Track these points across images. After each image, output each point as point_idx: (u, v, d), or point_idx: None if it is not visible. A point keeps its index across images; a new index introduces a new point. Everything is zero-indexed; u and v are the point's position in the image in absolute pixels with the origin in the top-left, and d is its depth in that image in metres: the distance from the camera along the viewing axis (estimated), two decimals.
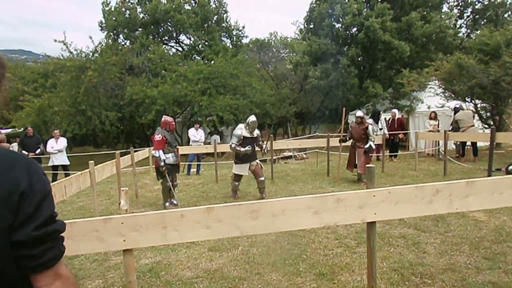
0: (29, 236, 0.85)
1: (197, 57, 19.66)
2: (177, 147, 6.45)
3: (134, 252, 2.41)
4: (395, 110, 12.13)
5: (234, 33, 23.28)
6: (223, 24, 22.53)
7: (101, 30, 20.56)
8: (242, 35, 23.59)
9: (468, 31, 20.48)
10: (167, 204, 6.20)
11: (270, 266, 3.49)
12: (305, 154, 12.56)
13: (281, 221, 2.35)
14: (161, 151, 5.98)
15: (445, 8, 19.47)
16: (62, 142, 9.59)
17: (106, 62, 15.07)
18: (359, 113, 7.87)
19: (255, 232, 2.54)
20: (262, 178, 6.55)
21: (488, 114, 11.37)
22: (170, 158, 6.13)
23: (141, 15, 20.09)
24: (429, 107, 11.85)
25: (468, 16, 20.35)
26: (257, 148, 6.73)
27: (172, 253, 3.98)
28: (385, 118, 11.62)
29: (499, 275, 3.07)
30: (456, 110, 10.29)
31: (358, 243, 3.99)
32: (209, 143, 11.41)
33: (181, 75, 15.43)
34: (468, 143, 10.21)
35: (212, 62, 17.14)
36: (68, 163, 9.69)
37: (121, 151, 6.75)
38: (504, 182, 2.60)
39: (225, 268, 3.50)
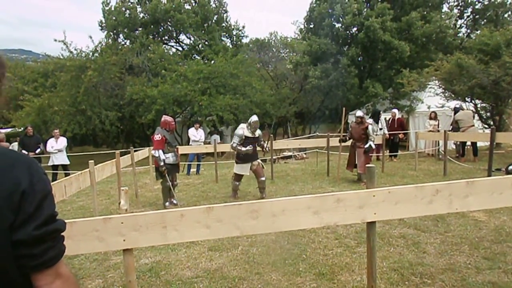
0: (30, 235, 0.85)
1: (197, 57, 19.65)
2: (177, 146, 6.45)
3: (134, 252, 2.41)
4: (395, 110, 12.13)
5: (234, 33, 23.27)
6: (223, 24, 22.53)
7: (101, 29, 20.57)
8: (242, 35, 23.60)
9: (468, 31, 20.49)
10: (167, 203, 6.20)
11: (270, 266, 3.49)
12: (305, 154, 12.56)
13: (281, 221, 2.35)
14: (160, 151, 5.97)
15: (445, 8, 19.50)
16: (62, 141, 9.59)
17: (106, 62, 15.07)
18: (359, 113, 7.87)
19: (255, 232, 2.54)
20: (263, 178, 6.55)
21: (488, 114, 11.37)
22: (170, 158, 6.13)
23: (141, 15, 20.09)
24: (429, 107, 11.85)
25: (468, 16, 20.36)
26: (258, 148, 6.73)
27: (172, 252, 3.98)
28: (385, 118, 11.62)
29: (499, 275, 3.07)
30: (456, 110, 10.29)
31: (358, 243, 3.99)
32: (209, 143, 11.40)
33: (181, 74, 15.42)
34: (468, 143, 10.21)
35: (212, 62, 17.13)
36: (68, 162, 9.69)
37: (121, 150, 6.74)
38: (504, 182, 2.60)
39: (225, 268, 3.50)
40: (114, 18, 19.40)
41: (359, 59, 18.67)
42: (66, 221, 1.00)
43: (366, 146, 7.46)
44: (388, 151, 10.60)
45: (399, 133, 11.20)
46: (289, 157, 12.48)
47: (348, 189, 6.52)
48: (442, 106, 11.70)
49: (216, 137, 13.57)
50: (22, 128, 14.35)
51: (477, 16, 19.76)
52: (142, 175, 9.60)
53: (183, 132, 16.41)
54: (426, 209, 2.54)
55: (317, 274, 3.26)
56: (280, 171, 9.39)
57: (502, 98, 10.66)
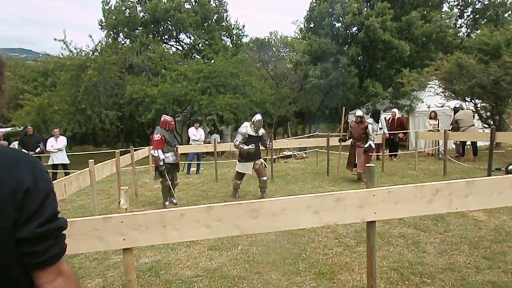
0: (33, 232, 0.86)
1: (197, 56, 19.64)
2: (176, 146, 6.45)
3: (133, 251, 2.41)
4: (395, 110, 12.13)
5: (234, 32, 23.25)
6: (223, 23, 22.50)
7: (101, 29, 20.55)
8: (242, 34, 23.58)
9: (468, 30, 20.48)
10: (167, 203, 6.20)
11: (270, 265, 3.49)
12: (305, 153, 12.56)
13: (281, 220, 2.35)
14: (160, 151, 5.97)
15: (445, 7, 19.47)
16: (62, 141, 9.58)
17: (106, 61, 15.07)
18: (359, 112, 7.87)
19: (255, 231, 2.54)
20: (265, 178, 6.55)
21: (488, 113, 11.37)
22: (169, 157, 6.13)
23: (141, 14, 20.07)
24: (429, 107, 11.85)
25: (468, 16, 20.34)
26: (261, 147, 6.72)
27: (172, 252, 3.98)
28: (385, 118, 11.62)
29: (499, 275, 3.07)
30: (456, 109, 10.29)
31: (357, 242, 3.99)
32: (209, 142, 11.39)
33: (181, 74, 15.42)
34: (468, 142, 10.21)
35: (212, 61, 17.12)
36: (68, 162, 9.68)
37: (121, 150, 6.75)
38: (503, 182, 2.60)
39: (225, 267, 3.51)
40: (114, 17, 19.39)
41: (359, 58, 18.64)
42: None
43: (366, 145, 7.46)
44: (388, 150, 10.61)
45: (399, 133, 11.21)
46: (289, 156, 12.48)
47: (348, 189, 6.54)
48: (442, 106, 11.70)
49: (216, 136, 13.56)
50: (22, 127, 14.34)
51: (477, 16, 19.75)
52: (142, 175, 9.60)
53: (183, 131, 16.41)
54: (426, 208, 2.54)
55: (317, 273, 3.27)
56: (280, 171, 9.39)
57: (502, 98, 10.66)
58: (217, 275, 3.34)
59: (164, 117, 6.29)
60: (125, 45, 18.70)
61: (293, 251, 3.83)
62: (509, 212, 4.79)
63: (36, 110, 14.60)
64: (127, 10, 19.67)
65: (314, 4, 19.60)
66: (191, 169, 10.17)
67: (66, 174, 7.94)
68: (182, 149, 8.55)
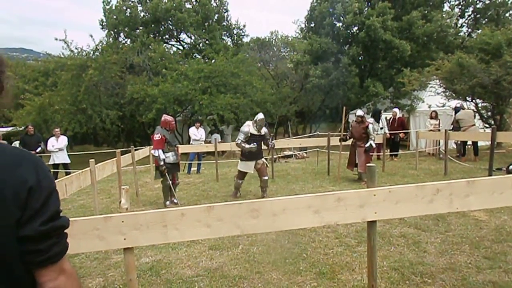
0: (36, 231, 0.87)
1: (197, 56, 19.66)
2: (177, 146, 6.45)
3: (134, 251, 2.41)
4: (396, 109, 12.12)
5: (235, 32, 23.26)
6: (224, 23, 22.51)
7: (102, 28, 20.56)
8: (242, 34, 23.59)
9: (469, 30, 20.46)
10: (168, 202, 6.20)
11: (271, 265, 3.49)
12: (306, 153, 12.56)
13: (281, 220, 2.35)
14: (160, 151, 5.98)
15: (446, 7, 19.47)
16: (63, 140, 9.59)
17: (107, 61, 15.07)
18: (360, 112, 7.87)
19: (256, 231, 2.54)
20: (266, 178, 6.55)
21: (489, 113, 11.35)
22: (170, 157, 6.14)
23: (142, 14, 20.08)
24: (429, 107, 11.84)
25: (469, 15, 20.33)
26: (264, 147, 6.71)
27: (173, 251, 3.98)
28: (385, 117, 11.61)
29: (500, 275, 3.07)
30: (457, 109, 10.28)
31: (358, 242, 3.99)
32: (210, 142, 11.40)
33: (181, 73, 15.42)
34: (469, 142, 10.20)
35: (213, 61, 17.12)
36: (68, 161, 9.70)
37: (121, 149, 6.75)
38: (504, 182, 2.60)
39: (226, 267, 3.51)
40: (115, 17, 19.40)
41: (360, 58, 18.65)
42: None
43: (367, 145, 7.46)
44: (388, 150, 10.59)
45: (400, 133, 11.20)
46: (290, 156, 12.48)
47: (349, 188, 6.54)
48: (443, 106, 11.69)
49: (217, 136, 13.56)
50: (23, 127, 14.37)
51: (478, 15, 19.73)
52: (143, 174, 9.61)
53: (183, 131, 16.42)
54: (427, 208, 2.54)
55: (317, 273, 3.27)
56: (280, 170, 9.39)
57: (503, 98, 10.65)
58: (218, 275, 3.34)
59: (165, 117, 6.29)
60: (125, 44, 18.72)
61: (293, 250, 3.83)
62: (510, 212, 4.78)
63: (37, 110, 14.62)
64: (128, 9, 19.68)
65: (315, 4, 19.61)
66: (192, 168, 10.17)
67: (67, 173, 7.95)
68: (182, 148, 8.56)
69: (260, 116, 6.48)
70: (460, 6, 20.01)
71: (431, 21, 16.67)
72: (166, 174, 6.03)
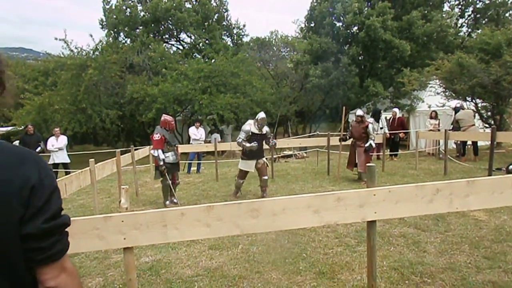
0: (39, 228, 0.88)
1: (197, 56, 19.64)
2: (177, 145, 6.45)
3: (134, 250, 2.41)
4: (396, 109, 12.12)
5: (235, 31, 23.25)
6: (224, 23, 22.51)
7: (102, 28, 20.55)
8: (242, 33, 23.58)
9: (469, 30, 20.48)
10: (168, 202, 6.20)
11: (270, 265, 3.49)
12: (306, 153, 12.56)
13: (281, 219, 2.35)
14: (160, 151, 5.97)
15: (446, 7, 19.48)
16: (63, 140, 9.59)
17: (107, 60, 15.07)
18: (359, 112, 7.87)
19: (255, 230, 2.54)
20: (266, 177, 6.55)
21: (489, 113, 11.36)
22: (169, 157, 6.13)
23: (142, 13, 20.06)
24: (429, 106, 11.83)
25: (469, 15, 20.34)
26: (265, 146, 6.71)
27: (172, 251, 3.98)
28: (385, 117, 11.61)
29: (499, 275, 3.07)
30: (456, 109, 10.28)
31: (358, 242, 3.99)
32: (210, 142, 11.40)
33: (181, 73, 15.42)
34: (469, 142, 10.20)
35: (213, 60, 17.12)
36: (68, 161, 9.70)
37: (121, 149, 6.75)
38: (504, 182, 2.60)
39: (225, 267, 3.51)
40: (114, 16, 19.39)
41: (360, 58, 18.64)
42: None
43: (367, 145, 7.46)
44: (388, 150, 10.60)
45: (400, 132, 11.20)
46: (290, 156, 12.48)
47: (349, 188, 6.54)
48: (443, 105, 11.69)
49: (217, 136, 13.56)
50: (22, 127, 14.36)
51: (478, 15, 19.74)
52: (143, 174, 9.61)
53: (183, 130, 16.42)
54: (427, 208, 2.54)
55: (317, 273, 3.27)
56: (280, 170, 9.39)
57: (503, 98, 10.66)
58: (218, 275, 3.34)
59: (164, 117, 6.29)
60: (125, 44, 18.71)
61: (293, 250, 3.83)
62: (510, 212, 4.78)
63: (37, 109, 14.63)
64: (128, 9, 19.67)
65: (315, 4, 19.61)
66: (192, 168, 10.17)
67: (67, 173, 7.95)
68: (182, 148, 8.55)
69: (262, 115, 6.47)
70: (460, 6, 20.03)
71: (431, 21, 16.67)
72: (166, 174, 6.03)
